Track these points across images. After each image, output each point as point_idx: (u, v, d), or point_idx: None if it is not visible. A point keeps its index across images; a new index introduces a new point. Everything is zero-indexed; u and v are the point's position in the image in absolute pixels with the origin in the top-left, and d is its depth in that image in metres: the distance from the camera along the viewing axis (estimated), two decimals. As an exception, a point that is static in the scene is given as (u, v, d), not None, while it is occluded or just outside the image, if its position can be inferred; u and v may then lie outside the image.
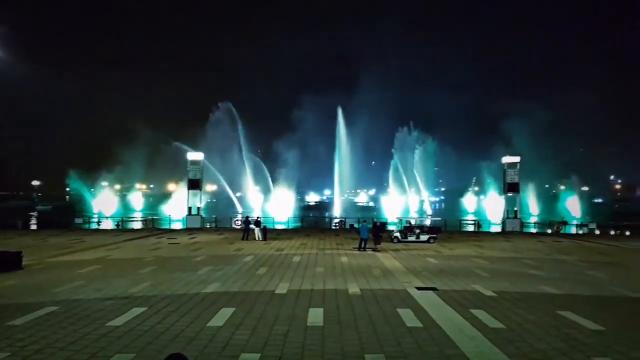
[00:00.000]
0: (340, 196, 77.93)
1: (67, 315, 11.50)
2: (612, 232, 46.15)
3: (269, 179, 71.54)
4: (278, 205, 63.30)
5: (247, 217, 35.13)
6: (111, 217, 62.00)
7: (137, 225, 49.71)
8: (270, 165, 72.27)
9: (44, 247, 26.60)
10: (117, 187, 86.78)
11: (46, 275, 17.33)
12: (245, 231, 31.96)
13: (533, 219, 62.70)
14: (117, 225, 47.87)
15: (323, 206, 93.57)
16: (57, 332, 10.08)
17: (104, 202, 75.66)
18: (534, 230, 47.63)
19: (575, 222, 56.76)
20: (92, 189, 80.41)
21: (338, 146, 70.41)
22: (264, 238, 30.99)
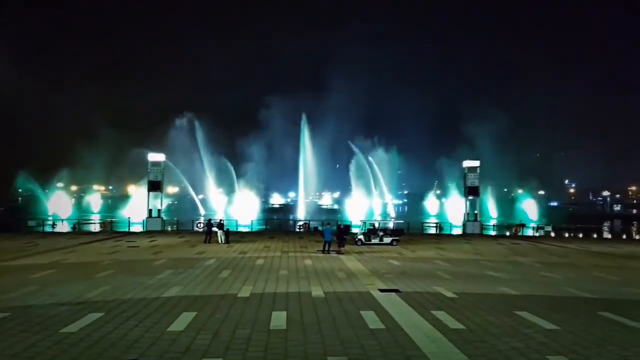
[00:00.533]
0: (305, 199, 77.98)
1: (19, 321, 10.98)
2: (567, 235, 47.91)
3: (235, 180, 70.91)
4: (241, 207, 62.74)
5: (210, 219, 34.81)
6: (67, 219, 59.96)
7: (95, 228, 48.25)
8: (234, 167, 71.67)
9: (-5, 250, 25.43)
10: (74, 188, 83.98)
11: (-4, 280, 16.55)
12: (208, 234, 31.53)
13: (492, 222, 64.47)
14: (74, 228, 46.35)
15: (287, 209, 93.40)
16: (7, 340, 9.61)
17: (59, 204, 73.12)
18: (493, 233, 48.96)
19: (532, 224, 58.67)
20: (47, 190, 77.51)
21: (302, 151, 70.53)
22: (227, 241, 30.66)
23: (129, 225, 46.22)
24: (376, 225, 34.05)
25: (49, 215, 67.79)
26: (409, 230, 42.72)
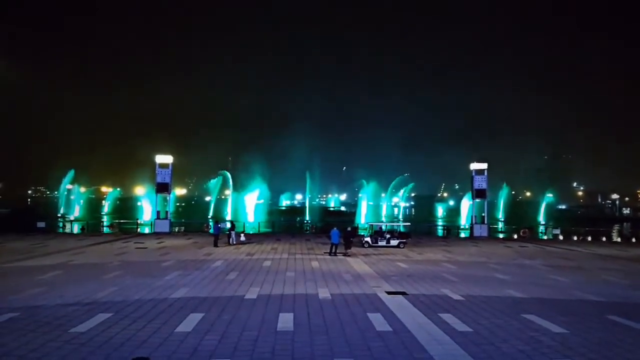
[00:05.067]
0: (312, 201, 78.09)
1: (28, 322, 11.10)
2: (575, 238, 47.52)
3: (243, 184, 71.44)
4: (249, 209, 62.99)
5: (232, 221, 36.69)
6: (76, 220, 60.42)
7: (104, 229, 48.54)
8: (244, 171, 72.20)
9: (3, 252, 25.64)
10: (82, 189, 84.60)
11: (4, 281, 16.70)
12: (219, 237, 31.64)
13: (500, 225, 64.19)
14: (82, 229, 46.66)
15: (295, 210, 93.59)
16: (17, 340, 9.72)
17: (68, 205, 73.72)
18: (500, 236, 48.71)
19: (541, 227, 58.36)
20: (56, 192, 78.09)
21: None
22: (229, 242, 31.41)
23: (137, 227, 46.48)
24: (383, 227, 34.03)
25: (59, 216, 68.40)
26: (416, 232, 42.65)
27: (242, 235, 33.78)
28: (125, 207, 73.78)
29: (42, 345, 9.39)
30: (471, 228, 45.73)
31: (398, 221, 62.11)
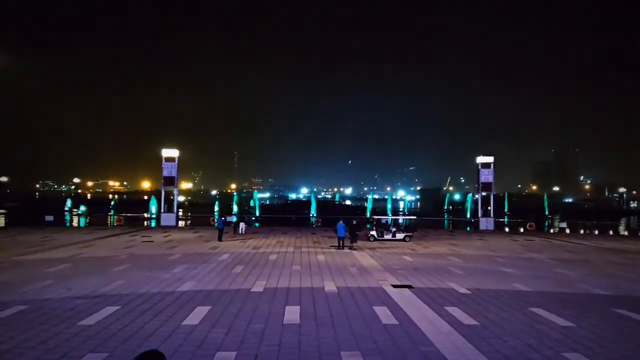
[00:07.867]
0: (317, 194, 78.06)
1: (37, 314, 11.21)
2: (581, 231, 47.32)
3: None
4: (255, 203, 63.07)
5: (242, 216, 38.17)
6: (84, 214, 60.77)
7: (111, 222, 48.83)
8: (250, 163, 72.31)
9: (12, 245, 25.87)
10: (90, 183, 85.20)
11: (14, 274, 16.85)
12: (220, 231, 31.67)
13: (506, 218, 64.01)
14: (89, 223, 46.95)
15: (300, 204, 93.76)
16: (26, 332, 9.82)
17: (78, 199, 74.22)
18: (506, 229, 48.59)
19: (547, 220, 58.11)
20: (63, 186, 78.59)
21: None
22: (235, 232, 32.17)
23: (144, 221, 46.72)
24: (389, 221, 34.03)
25: (67, 210, 68.85)
26: (421, 226, 42.64)
27: (244, 226, 35.03)
28: (132, 201, 74.06)
29: (51, 338, 9.48)
30: (477, 221, 45.65)
31: (403, 215, 62.05)
